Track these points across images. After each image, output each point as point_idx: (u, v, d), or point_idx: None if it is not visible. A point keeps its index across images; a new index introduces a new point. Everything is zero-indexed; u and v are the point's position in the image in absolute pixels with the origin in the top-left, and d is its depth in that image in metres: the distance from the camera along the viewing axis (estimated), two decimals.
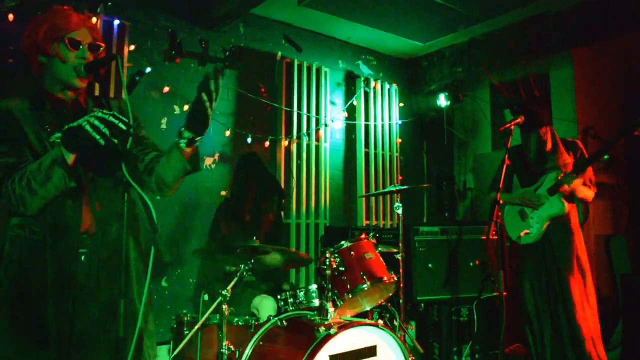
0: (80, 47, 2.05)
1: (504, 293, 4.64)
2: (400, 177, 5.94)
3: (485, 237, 4.70)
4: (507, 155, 3.37)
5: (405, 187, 3.71)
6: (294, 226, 5.01)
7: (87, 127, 1.78)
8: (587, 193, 3.68)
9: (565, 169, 3.65)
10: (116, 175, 2.21)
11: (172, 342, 3.39)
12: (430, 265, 4.63)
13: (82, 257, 1.98)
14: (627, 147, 5.78)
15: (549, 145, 3.73)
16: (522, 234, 3.69)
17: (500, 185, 3.27)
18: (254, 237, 3.13)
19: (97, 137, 1.77)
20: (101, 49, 2.13)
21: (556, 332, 3.68)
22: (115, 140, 1.81)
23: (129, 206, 2.02)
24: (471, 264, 4.71)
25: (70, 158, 1.85)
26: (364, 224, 5.57)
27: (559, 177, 3.62)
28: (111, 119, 1.80)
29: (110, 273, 2.05)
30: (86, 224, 2.01)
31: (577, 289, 3.60)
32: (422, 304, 4.68)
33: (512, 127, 3.43)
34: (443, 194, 6.22)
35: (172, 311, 4.27)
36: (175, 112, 4.56)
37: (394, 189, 3.70)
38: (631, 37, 5.01)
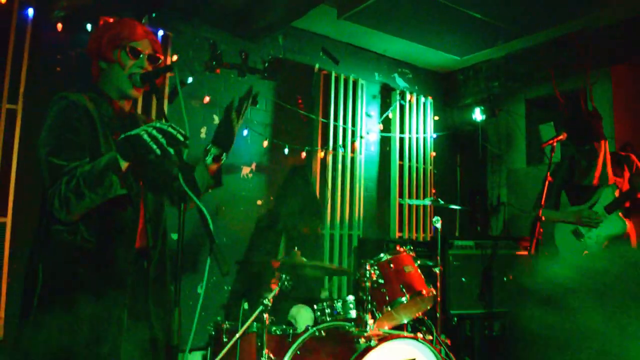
0: (140, 56, 2.10)
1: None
2: (433, 191, 5.94)
3: (525, 253, 4.68)
4: (549, 173, 3.35)
5: (458, 206, 3.70)
6: (327, 237, 5.04)
7: (145, 137, 1.79)
8: None
9: (621, 185, 3.56)
10: (167, 189, 2.28)
11: (209, 349, 3.43)
12: (463, 279, 4.62)
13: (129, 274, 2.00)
14: None
15: (601, 160, 3.65)
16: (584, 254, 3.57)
17: (542, 202, 3.26)
18: (295, 248, 3.17)
19: (154, 146, 1.78)
20: (160, 61, 2.19)
21: None
22: (172, 151, 1.83)
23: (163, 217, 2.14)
24: (505, 279, 4.69)
25: (124, 165, 1.85)
26: (397, 236, 5.57)
27: (616, 194, 3.51)
28: (169, 129, 1.81)
29: (156, 286, 2.11)
30: (139, 239, 2.05)
31: None
32: (455, 318, 4.67)
33: (555, 143, 3.42)
34: (476, 208, 6.20)
35: (206, 318, 4.32)
36: (215, 122, 4.64)
37: (430, 202, 3.70)
38: None
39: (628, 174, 3.67)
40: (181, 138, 1.84)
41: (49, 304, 1.87)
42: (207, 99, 4.56)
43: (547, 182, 3.33)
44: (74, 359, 1.86)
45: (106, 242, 1.96)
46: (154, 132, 1.81)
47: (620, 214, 3.53)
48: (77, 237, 1.93)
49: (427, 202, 3.73)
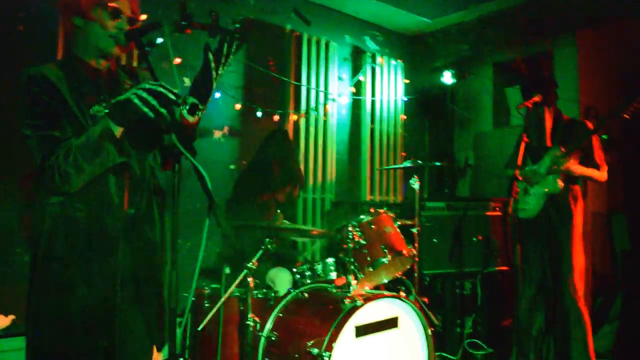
0: (121, 17, 2.00)
1: (507, 267, 4.77)
2: (403, 154, 5.98)
3: (494, 213, 4.80)
4: (524, 134, 3.42)
5: (427, 163, 3.74)
6: (301, 200, 5.04)
7: (136, 100, 1.74)
8: (594, 173, 3.69)
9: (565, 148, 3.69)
10: (155, 151, 2.22)
11: (189, 315, 3.40)
12: (435, 240, 4.71)
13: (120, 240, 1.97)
14: (624, 127, 5.87)
15: (550, 125, 3.78)
16: (518, 208, 3.75)
17: (519, 162, 3.32)
18: (278, 211, 3.16)
19: (146, 109, 1.73)
20: (138, 23, 2.10)
21: (551, 293, 3.75)
22: (164, 111, 1.78)
23: (155, 180, 2.12)
24: (474, 239, 4.81)
25: (118, 132, 1.81)
26: (368, 199, 5.62)
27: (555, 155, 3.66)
28: (160, 89, 1.75)
29: (147, 253, 2.07)
30: (126, 203, 2.00)
31: (573, 263, 3.68)
32: (428, 278, 4.78)
33: (531, 105, 3.48)
34: (443, 170, 6.28)
35: (181, 285, 4.28)
36: (186, 85, 4.52)
37: (411, 164, 3.73)
38: (632, 22, 5.08)
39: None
40: (173, 97, 1.79)
41: (46, 276, 1.89)
42: (177, 60, 4.42)
43: (522, 143, 3.38)
44: (70, 323, 1.87)
45: (95, 209, 1.93)
46: (144, 94, 1.75)
47: (558, 176, 3.68)
48: (69, 208, 1.90)
49: (407, 164, 3.75)
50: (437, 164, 3.84)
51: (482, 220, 4.87)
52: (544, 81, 3.91)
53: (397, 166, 4.10)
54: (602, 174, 3.74)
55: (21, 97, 1.90)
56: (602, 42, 5.74)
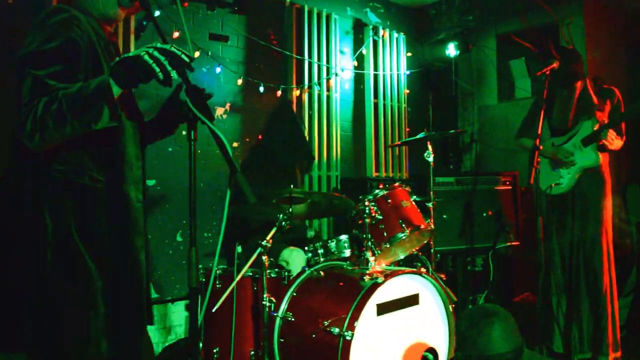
0: None
1: (518, 242, 4.66)
2: (407, 129, 5.84)
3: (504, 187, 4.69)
4: (544, 104, 3.29)
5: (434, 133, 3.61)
6: (306, 178, 4.90)
7: (147, 58, 1.57)
8: (619, 144, 3.59)
9: (601, 119, 3.55)
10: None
11: (198, 297, 3.27)
12: (445, 216, 4.60)
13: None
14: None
15: (584, 98, 3.63)
16: (553, 185, 3.59)
17: (539, 132, 3.19)
18: (291, 185, 3.02)
19: (157, 69, 1.56)
20: None
21: (578, 277, 3.61)
22: (175, 73, 1.63)
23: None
24: (484, 214, 4.70)
25: (117, 93, 1.61)
26: (374, 176, 5.49)
27: (595, 128, 3.51)
28: (172, 49, 1.60)
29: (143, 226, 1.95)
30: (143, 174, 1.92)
31: (604, 238, 3.56)
32: (439, 255, 4.67)
33: (548, 72, 3.35)
34: (448, 146, 6.16)
35: (178, 269, 4.18)
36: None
37: (424, 135, 3.59)
38: None
39: (609, 107, 3.65)
40: (186, 59, 1.63)
41: (66, 255, 1.67)
42: (176, 34, 4.24)
43: (542, 111, 3.25)
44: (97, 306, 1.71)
45: (116, 180, 1.78)
46: (156, 52, 1.59)
47: (596, 149, 3.55)
48: (85, 178, 1.72)
49: (422, 135, 3.61)
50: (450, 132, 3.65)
51: (492, 194, 4.76)
52: (561, 50, 3.74)
53: (415, 137, 3.76)
54: (621, 145, 3.61)
55: (49, 33, 1.66)
56: (607, 9, 5.60)
